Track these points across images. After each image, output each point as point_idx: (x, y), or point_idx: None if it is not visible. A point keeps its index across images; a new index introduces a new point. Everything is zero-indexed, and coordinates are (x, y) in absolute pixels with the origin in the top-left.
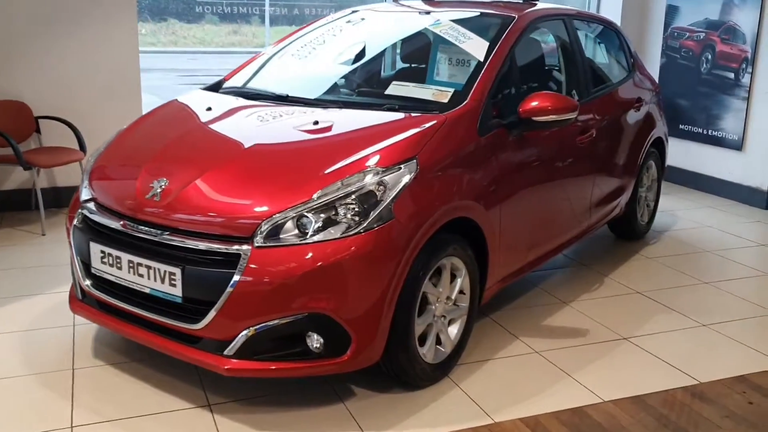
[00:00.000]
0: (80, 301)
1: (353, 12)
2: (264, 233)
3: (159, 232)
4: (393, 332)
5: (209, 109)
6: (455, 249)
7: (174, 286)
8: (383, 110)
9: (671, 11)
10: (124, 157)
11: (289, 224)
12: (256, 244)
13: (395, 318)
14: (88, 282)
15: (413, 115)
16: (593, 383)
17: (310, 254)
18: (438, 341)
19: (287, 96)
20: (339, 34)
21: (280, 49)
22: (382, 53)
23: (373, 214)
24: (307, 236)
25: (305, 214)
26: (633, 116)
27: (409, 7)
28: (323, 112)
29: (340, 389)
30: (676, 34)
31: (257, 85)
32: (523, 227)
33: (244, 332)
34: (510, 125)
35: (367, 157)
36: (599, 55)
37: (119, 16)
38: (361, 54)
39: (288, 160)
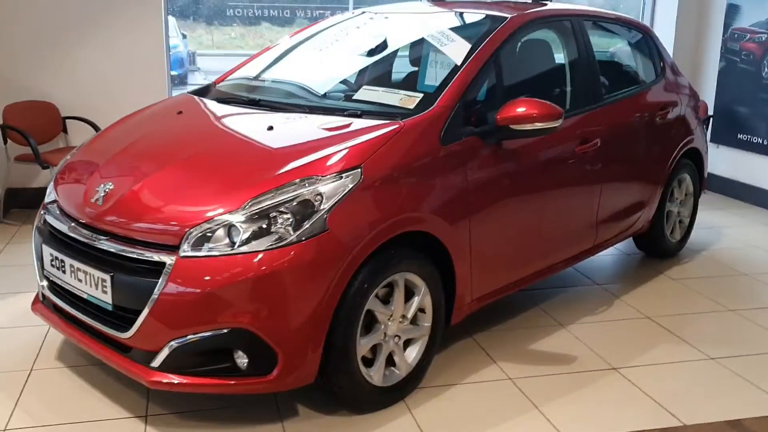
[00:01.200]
0: (41, 302)
1: (353, 15)
2: (191, 242)
3: (97, 236)
4: (329, 352)
5: (180, 112)
6: (411, 265)
7: (105, 292)
8: (344, 116)
9: (731, 11)
10: (88, 160)
11: (220, 233)
12: (182, 254)
13: (331, 337)
14: (44, 283)
15: (371, 121)
16: (559, 418)
17: (234, 266)
18: (392, 363)
19: (258, 100)
20: (331, 37)
21: (272, 52)
22: (372, 56)
23: (306, 225)
24: (234, 247)
25: (234, 223)
26: (658, 125)
27: (409, 9)
28: (284, 117)
29: (285, 408)
30: (736, 35)
31: (235, 90)
32: (504, 244)
33: (170, 344)
34: (486, 133)
35: (308, 165)
36: (620, 59)
37: (146, 18)
38: (349, 58)
39: (227, 167)
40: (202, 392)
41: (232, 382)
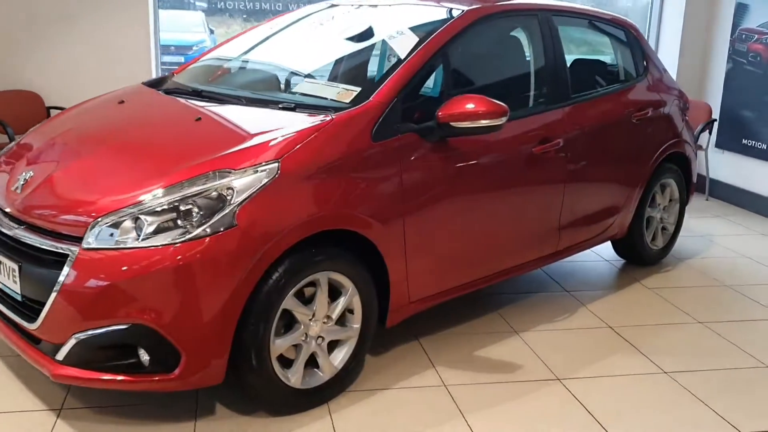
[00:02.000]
0: None
1: (319, 8)
2: (96, 234)
3: (12, 225)
4: (239, 351)
5: (121, 102)
6: (336, 264)
7: (15, 282)
8: (278, 109)
9: (740, 10)
10: (23, 148)
11: (126, 225)
12: (85, 245)
13: (242, 336)
14: None
15: (301, 116)
16: (485, 428)
17: (135, 260)
18: (316, 364)
19: (201, 91)
20: (292, 30)
21: (231, 45)
22: (326, 49)
23: (213, 219)
24: (138, 239)
25: (140, 215)
26: (635, 126)
27: (381, 1)
28: (220, 109)
29: (203, 406)
30: (743, 36)
31: (186, 81)
32: (447, 246)
33: (74, 337)
34: (426, 131)
35: (223, 158)
36: (596, 57)
37: (131, 8)
38: (303, 51)
39: (144, 158)
40: (105, 388)
41: (136, 379)
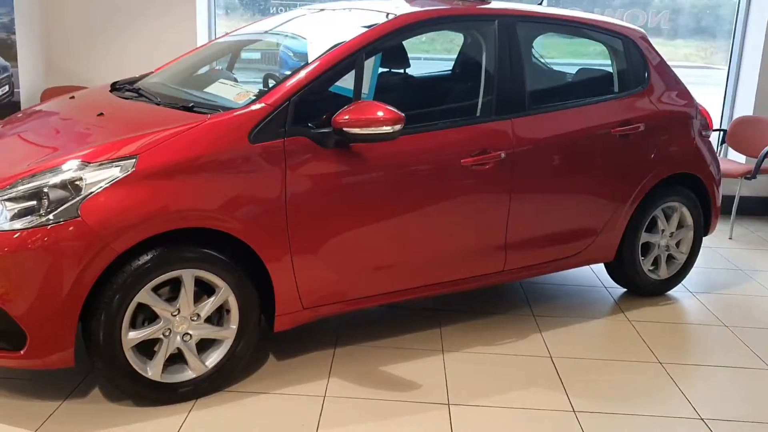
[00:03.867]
0: None
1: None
2: None
3: None
4: (90, 339)
5: (72, 97)
6: (204, 263)
7: None
8: (177, 108)
9: None
10: None
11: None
12: None
13: (91, 325)
14: None
15: (188, 114)
16: None
17: None
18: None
19: (139, 89)
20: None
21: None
22: (266, 53)
23: (58, 210)
24: None
25: (1, 201)
26: (618, 141)
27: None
28: (127, 104)
29: (82, 388)
30: None
31: (149, 79)
32: (349, 255)
33: None
34: (322, 136)
35: (86, 151)
36: (584, 66)
37: (179, 11)
38: (246, 55)
39: (29, 147)
40: None
41: None
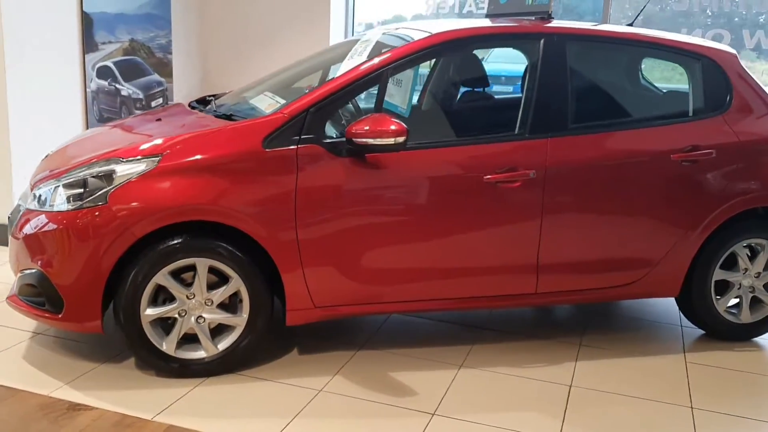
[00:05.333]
0: None
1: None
2: (35, 198)
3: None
4: (117, 311)
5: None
6: (215, 254)
7: None
8: (221, 117)
9: None
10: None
11: (54, 192)
12: (29, 206)
13: (116, 300)
14: None
15: (221, 122)
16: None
17: (42, 220)
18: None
19: (210, 102)
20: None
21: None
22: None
23: (93, 197)
24: (46, 205)
25: (56, 187)
26: (679, 167)
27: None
28: (186, 114)
29: (122, 356)
30: None
31: (224, 98)
32: (363, 260)
33: (19, 273)
34: (335, 145)
35: (125, 148)
36: (641, 88)
37: (312, 33)
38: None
39: (96, 147)
40: (30, 317)
41: (39, 314)
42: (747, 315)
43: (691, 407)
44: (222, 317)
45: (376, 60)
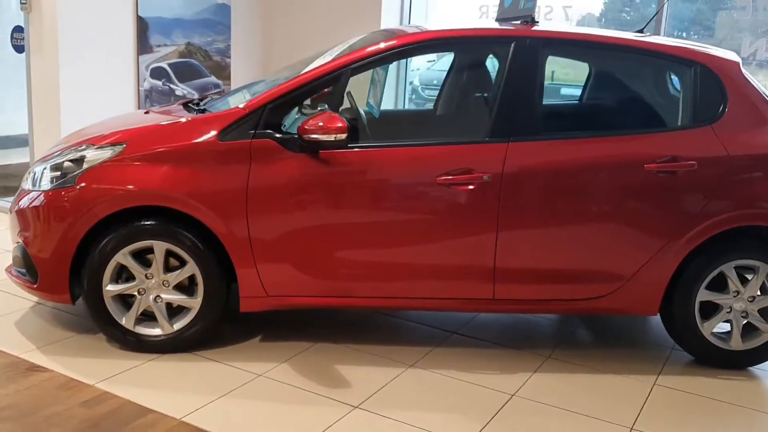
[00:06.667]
0: None
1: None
2: (31, 177)
3: None
4: (82, 285)
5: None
6: (170, 238)
7: None
8: (196, 112)
9: None
10: None
11: (42, 173)
12: (23, 187)
13: (82, 273)
14: None
15: (189, 114)
16: (224, 411)
17: (28, 197)
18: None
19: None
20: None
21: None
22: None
23: (64, 179)
24: (39, 185)
25: (44, 169)
26: (654, 178)
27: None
28: (174, 109)
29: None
30: None
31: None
32: (315, 254)
33: (14, 244)
34: (288, 141)
35: (99, 136)
36: (620, 95)
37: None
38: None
39: (84, 137)
40: (19, 287)
41: (23, 283)
42: (738, 341)
43: (631, 428)
44: (177, 298)
45: (337, 60)
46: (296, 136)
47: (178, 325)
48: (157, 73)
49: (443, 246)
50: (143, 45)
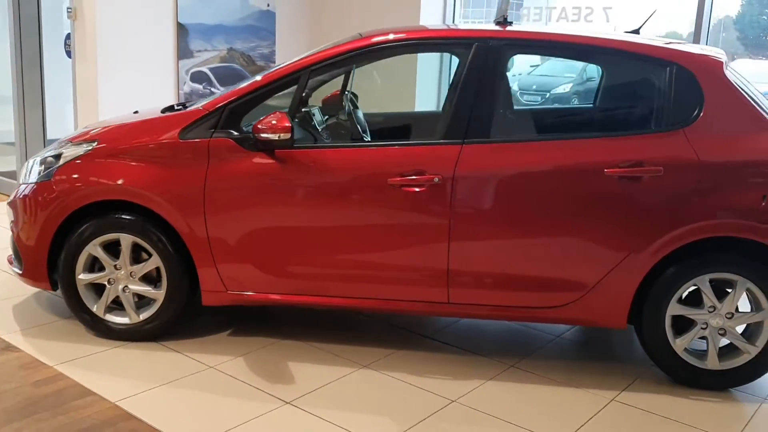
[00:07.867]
0: None
1: None
2: (24, 173)
3: None
4: (59, 270)
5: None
6: (134, 230)
7: None
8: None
9: None
10: None
11: (33, 167)
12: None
13: (58, 262)
14: None
15: (163, 115)
16: (164, 399)
17: (21, 189)
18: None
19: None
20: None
21: None
22: None
23: (46, 173)
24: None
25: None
26: (614, 184)
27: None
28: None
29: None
30: None
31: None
32: (265, 250)
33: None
34: (245, 140)
35: (81, 134)
36: (583, 96)
37: None
38: None
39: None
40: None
41: (14, 269)
42: (714, 360)
43: None
44: (143, 289)
45: (296, 62)
46: (251, 135)
47: (144, 315)
48: (198, 77)
49: (397, 247)
50: (183, 50)
